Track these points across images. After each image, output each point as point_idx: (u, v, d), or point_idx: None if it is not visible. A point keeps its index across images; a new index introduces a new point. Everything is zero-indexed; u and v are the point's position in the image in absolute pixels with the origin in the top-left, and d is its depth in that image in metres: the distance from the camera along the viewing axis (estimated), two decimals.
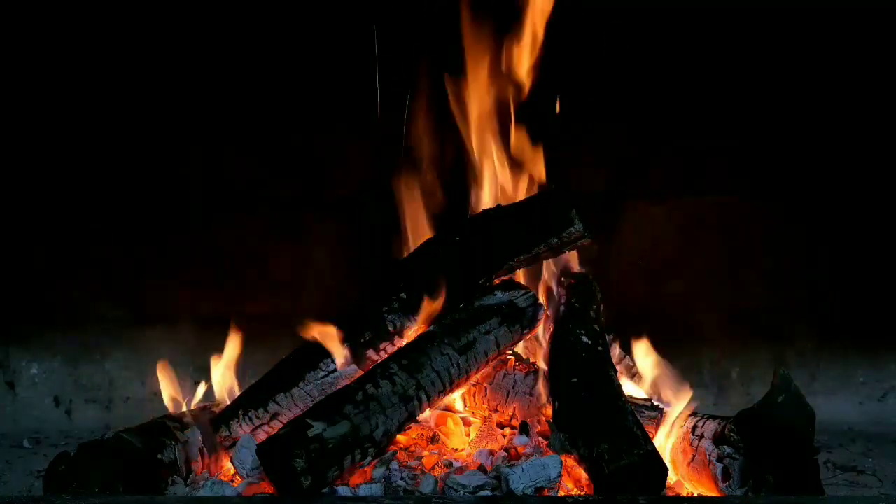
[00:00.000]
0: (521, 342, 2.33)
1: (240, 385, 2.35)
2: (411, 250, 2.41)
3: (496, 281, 2.30)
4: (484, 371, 2.25)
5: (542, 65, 2.49)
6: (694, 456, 2.04)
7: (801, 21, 2.95)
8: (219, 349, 2.41)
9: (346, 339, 2.22)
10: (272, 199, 3.10)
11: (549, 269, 2.46)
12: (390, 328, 2.24)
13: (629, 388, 2.34)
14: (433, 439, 2.20)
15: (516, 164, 2.48)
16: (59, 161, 3.04)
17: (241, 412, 2.21)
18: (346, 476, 1.95)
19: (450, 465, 2.07)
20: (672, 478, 2.06)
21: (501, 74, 2.48)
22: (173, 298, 3.06)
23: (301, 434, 1.89)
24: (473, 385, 2.30)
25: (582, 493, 1.98)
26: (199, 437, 2.15)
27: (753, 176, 3.08)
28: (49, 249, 3.06)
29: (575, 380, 2.08)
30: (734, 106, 3.03)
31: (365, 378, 2.05)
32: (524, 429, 2.21)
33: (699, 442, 2.04)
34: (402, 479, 1.99)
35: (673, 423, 2.14)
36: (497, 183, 2.48)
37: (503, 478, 1.93)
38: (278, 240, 3.09)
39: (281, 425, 2.11)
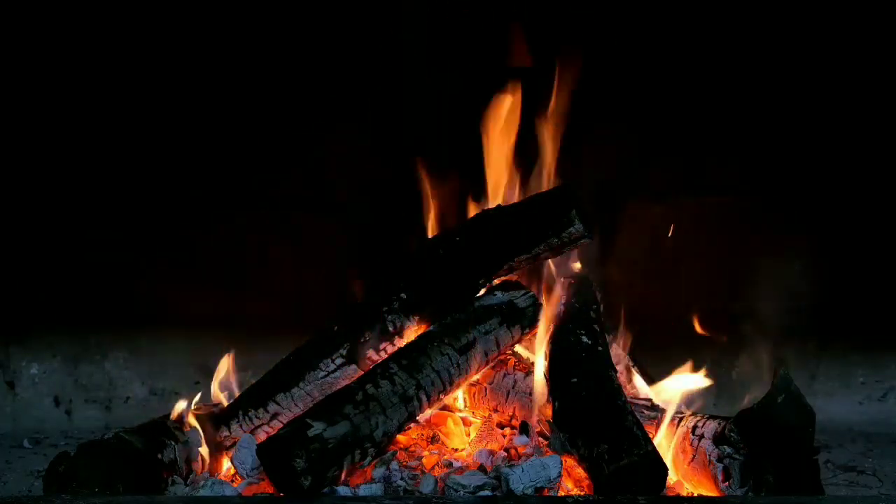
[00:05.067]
0: (521, 342, 2.33)
1: (240, 385, 2.35)
2: (412, 250, 2.42)
3: (496, 281, 2.30)
4: (484, 371, 2.25)
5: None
6: (694, 456, 2.04)
7: (805, 16, 2.95)
8: (218, 350, 2.41)
9: (346, 339, 2.23)
10: (272, 198, 3.10)
11: (549, 269, 2.46)
12: (390, 328, 2.24)
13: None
14: (433, 439, 2.20)
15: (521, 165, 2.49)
16: (59, 161, 3.03)
17: (241, 412, 2.22)
18: (345, 476, 1.95)
19: (450, 465, 2.07)
20: (672, 478, 2.06)
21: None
22: (173, 298, 3.06)
23: (301, 434, 1.89)
24: (473, 385, 2.30)
25: (582, 493, 1.98)
26: (200, 437, 2.15)
27: (754, 175, 3.08)
28: (49, 249, 3.05)
29: (575, 380, 2.08)
30: (735, 105, 3.03)
31: (365, 378, 2.05)
32: (524, 429, 2.21)
33: (699, 442, 2.04)
34: (402, 479, 1.99)
35: (672, 423, 2.14)
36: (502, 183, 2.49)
37: (503, 478, 1.93)
38: (278, 239, 3.08)
39: (281, 425, 2.11)
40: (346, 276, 2.99)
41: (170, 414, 2.22)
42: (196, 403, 2.28)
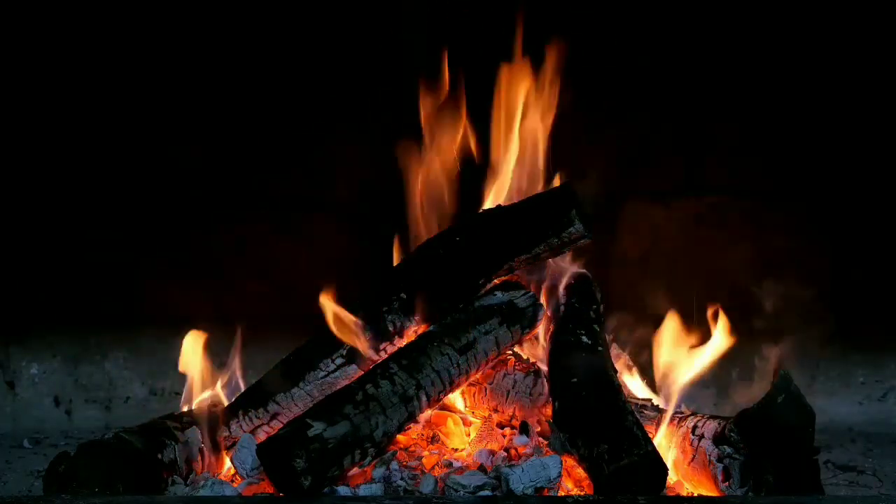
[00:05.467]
0: (521, 342, 2.33)
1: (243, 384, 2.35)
2: (412, 250, 2.41)
3: (496, 281, 2.30)
4: (484, 371, 2.25)
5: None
6: (694, 456, 2.04)
7: (807, 14, 2.95)
8: (218, 350, 2.41)
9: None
10: (272, 198, 3.10)
11: (549, 269, 2.46)
12: (390, 328, 2.24)
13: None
14: (433, 439, 2.20)
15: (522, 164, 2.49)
16: (59, 161, 3.03)
17: (241, 412, 2.22)
18: (346, 476, 1.95)
19: (450, 465, 2.07)
20: (672, 478, 2.06)
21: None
22: (173, 298, 3.05)
23: (301, 434, 1.89)
24: (473, 385, 2.30)
25: (582, 493, 1.98)
26: (200, 437, 2.15)
27: (754, 176, 3.08)
28: (49, 249, 3.05)
29: (575, 380, 2.08)
30: (735, 105, 3.03)
31: (365, 378, 2.05)
32: (524, 429, 2.21)
33: (699, 442, 2.04)
34: (402, 479, 1.99)
35: (672, 423, 2.14)
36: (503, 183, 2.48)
37: (503, 478, 1.93)
38: (278, 240, 3.08)
39: (281, 425, 2.11)
40: (346, 275, 2.99)
41: (170, 414, 2.23)
42: (200, 400, 2.28)
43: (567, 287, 2.44)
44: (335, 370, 2.21)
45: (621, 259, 3.06)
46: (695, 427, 2.08)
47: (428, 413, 2.17)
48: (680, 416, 2.17)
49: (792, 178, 3.07)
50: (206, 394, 2.29)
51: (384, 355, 2.21)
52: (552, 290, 2.44)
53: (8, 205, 3.03)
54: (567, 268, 2.48)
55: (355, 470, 1.98)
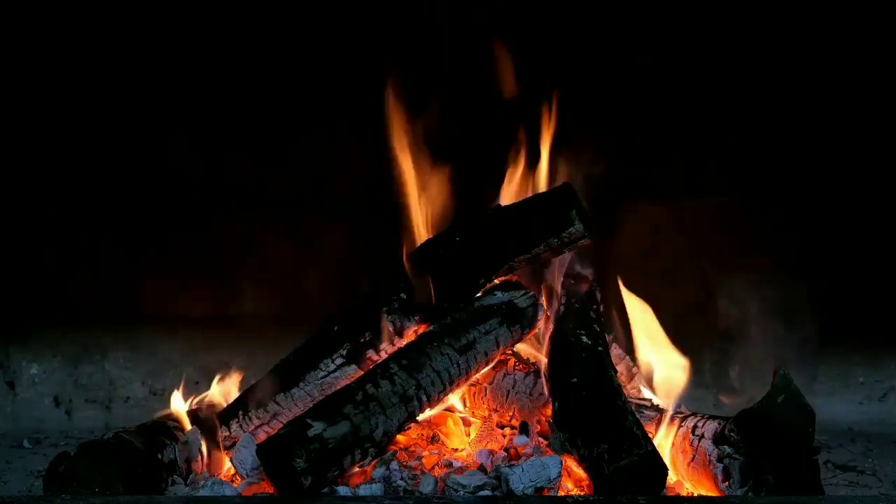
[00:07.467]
0: (521, 342, 2.33)
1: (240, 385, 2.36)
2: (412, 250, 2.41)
3: (496, 281, 2.30)
4: (484, 371, 2.25)
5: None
6: (694, 456, 2.04)
7: (807, 16, 2.95)
8: (218, 350, 2.41)
9: (346, 339, 2.23)
10: (272, 198, 3.10)
11: (549, 269, 2.46)
12: (390, 328, 2.24)
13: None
14: (433, 439, 2.20)
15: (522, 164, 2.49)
16: (60, 162, 3.04)
17: (241, 412, 2.22)
18: (346, 476, 1.95)
19: (450, 465, 2.07)
20: (672, 478, 2.06)
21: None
22: (173, 298, 3.06)
23: (301, 434, 1.89)
24: (473, 385, 2.30)
25: (582, 493, 1.98)
26: (200, 437, 2.15)
27: (753, 176, 3.08)
28: (49, 249, 3.06)
29: (575, 380, 2.08)
30: (734, 106, 3.03)
31: (365, 378, 2.05)
32: (524, 429, 2.21)
33: (699, 442, 2.04)
34: (402, 479, 1.99)
35: (673, 423, 2.14)
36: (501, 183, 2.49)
37: (503, 478, 1.93)
38: (278, 239, 3.09)
39: (281, 425, 2.11)
40: (346, 275, 3.00)
41: (170, 414, 2.23)
42: (196, 402, 2.28)
43: (567, 287, 2.44)
44: (335, 370, 2.21)
45: (621, 259, 3.06)
46: (695, 427, 2.08)
47: (428, 413, 2.17)
48: (680, 416, 2.17)
49: (792, 179, 3.07)
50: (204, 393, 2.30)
51: (384, 355, 2.21)
52: (552, 290, 2.44)
53: (8, 205, 3.03)
54: (567, 268, 2.48)
55: (355, 470, 1.98)
